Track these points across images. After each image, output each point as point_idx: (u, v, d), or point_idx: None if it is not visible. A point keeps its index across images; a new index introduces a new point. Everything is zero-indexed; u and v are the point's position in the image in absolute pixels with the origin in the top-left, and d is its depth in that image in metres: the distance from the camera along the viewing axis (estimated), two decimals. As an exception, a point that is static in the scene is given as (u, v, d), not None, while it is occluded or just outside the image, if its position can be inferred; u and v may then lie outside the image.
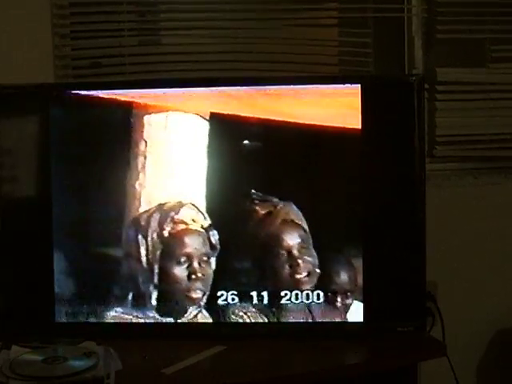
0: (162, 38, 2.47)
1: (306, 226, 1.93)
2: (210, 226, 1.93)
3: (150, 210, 1.93)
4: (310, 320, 1.94)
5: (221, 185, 1.94)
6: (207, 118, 1.92)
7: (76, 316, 1.95)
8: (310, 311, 1.94)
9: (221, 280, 1.94)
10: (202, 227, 1.93)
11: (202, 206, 1.93)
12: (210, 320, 1.95)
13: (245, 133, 1.93)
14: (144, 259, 1.93)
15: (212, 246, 1.93)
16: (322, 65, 2.48)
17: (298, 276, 1.94)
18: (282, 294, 1.93)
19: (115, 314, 1.95)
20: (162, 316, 1.95)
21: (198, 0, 2.40)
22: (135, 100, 1.93)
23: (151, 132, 1.93)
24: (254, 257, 1.94)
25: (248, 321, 1.94)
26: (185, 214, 1.93)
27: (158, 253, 1.93)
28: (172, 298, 1.94)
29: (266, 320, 1.94)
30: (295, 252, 1.93)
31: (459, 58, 2.58)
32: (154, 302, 1.95)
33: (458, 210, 2.47)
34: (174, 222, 1.93)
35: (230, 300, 1.94)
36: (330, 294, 1.93)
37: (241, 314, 1.94)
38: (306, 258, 1.93)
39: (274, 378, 1.79)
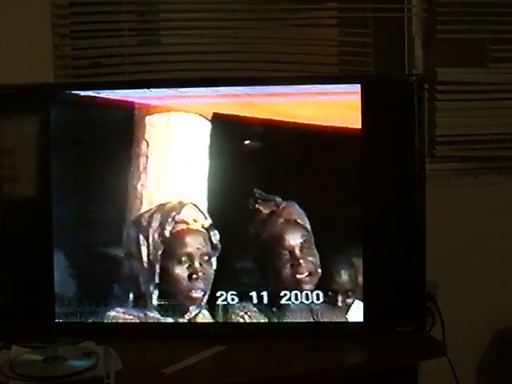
0: (162, 38, 2.47)
1: (308, 226, 1.93)
2: (211, 225, 1.93)
3: (151, 209, 1.93)
4: (310, 320, 1.94)
5: (223, 185, 1.94)
6: (209, 118, 1.92)
7: (76, 316, 1.95)
8: (311, 311, 1.94)
9: (222, 280, 1.94)
10: (202, 227, 1.93)
11: (204, 206, 1.93)
12: (211, 320, 1.95)
13: (246, 133, 1.93)
14: (145, 259, 1.93)
15: (213, 246, 1.93)
16: (322, 65, 2.48)
17: (299, 276, 1.93)
18: (283, 293, 1.93)
19: (116, 314, 1.95)
20: (162, 316, 1.95)
21: (197, 0, 2.40)
22: (136, 100, 1.93)
23: (153, 132, 1.93)
24: (256, 256, 1.94)
25: (249, 321, 1.94)
26: (186, 214, 1.93)
27: (159, 252, 1.93)
28: (173, 298, 1.94)
29: (267, 320, 1.94)
30: (297, 252, 1.93)
31: (459, 58, 2.58)
32: (154, 301, 1.95)
33: (458, 210, 2.47)
34: (176, 222, 1.93)
35: (230, 300, 1.94)
36: (331, 293, 1.93)
37: (241, 313, 1.95)
38: (307, 257, 1.93)
39: (274, 377, 1.79)
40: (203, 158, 1.93)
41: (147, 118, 1.93)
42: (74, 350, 1.78)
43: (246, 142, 1.93)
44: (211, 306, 1.94)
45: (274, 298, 1.94)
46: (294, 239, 1.94)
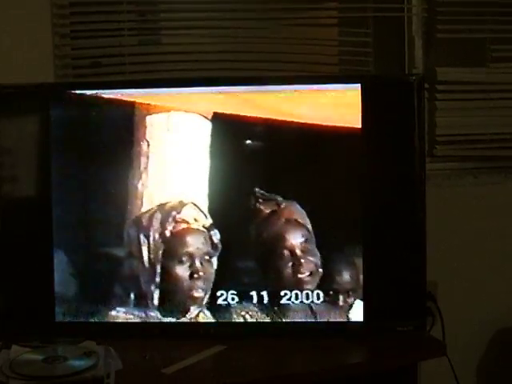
0: (162, 38, 2.47)
1: (309, 226, 1.93)
2: (212, 225, 1.93)
3: (151, 209, 1.93)
4: (310, 320, 1.94)
5: (223, 184, 1.94)
6: (209, 117, 1.92)
7: (77, 316, 1.95)
8: (311, 311, 1.94)
9: (222, 279, 1.93)
10: (203, 227, 1.93)
11: (204, 206, 1.93)
12: (212, 319, 1.95)
13: (246, 132, 1.93)
14: (146, 259, 1.93)
15: (213, 246, 1.93)
16: (322, 64, 2.48)
17: (300, 276, 1.93)
18: (284, 293, 1.93)
19: (117, 314, 1.95)
20: (163, 315, 1.95)
21: (197, 0, 2.40)
22: (137, 100, 1.93)
23: (153, 132, 1.93)
24: (257, 256, 1.94)
25: (249, 320, 1.94)
26: (187, 214, 1.93)
27: (160, 252, 1.93)
28: (174, 298, 1.94)
29: (268, 320, 1.94)
30: (298, 251, 1.93)
31: (459, 58, 2.57)
32: (155, 301, 1.95)
33: (457, 210, 2.47)
34: (176, 222, 1.93)
35: (230, 300, 1.94)
36: (332, 293, 1.93)
37: (242, 313, 1.94)
38: (308, 257, 1.93)
39: (274, 377, 1.79)
40: (204, 157, 1.93)
41: (148, 118, 1.93)
42: (74, 349, 1.78)
43: (247, 141, 1.93)
44: (212, 305, 1.94)
45: (275, 297, 1.94)
46: (295, 239, 1.94)
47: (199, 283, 1.93)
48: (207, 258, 1.93)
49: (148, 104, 1.93)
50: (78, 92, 1.95)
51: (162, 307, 1.95)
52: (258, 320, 1.95)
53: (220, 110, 1.92)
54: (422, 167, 1.92)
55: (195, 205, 1.93)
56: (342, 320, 1.94)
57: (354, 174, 1.93)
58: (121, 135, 1.94)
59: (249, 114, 1.92)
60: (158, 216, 1.93)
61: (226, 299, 1.94)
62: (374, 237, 1.93)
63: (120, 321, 1.95)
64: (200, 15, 2.39)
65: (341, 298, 1.93)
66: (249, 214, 1.93)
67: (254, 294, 1.94)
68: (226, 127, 1.93)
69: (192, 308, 1.94)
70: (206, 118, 1.93)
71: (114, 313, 1.95)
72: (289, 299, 1.94)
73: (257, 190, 1.92)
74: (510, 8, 2.54)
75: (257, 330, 1.95)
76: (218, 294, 1.94)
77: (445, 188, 2.50)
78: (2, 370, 1.67)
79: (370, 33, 2.52)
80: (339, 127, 1.90)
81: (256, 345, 1.89)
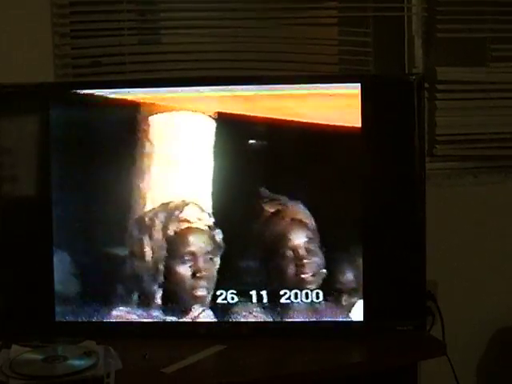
0: (162, 37, 2.47)
1: (313, 226, 1.93)
2: (215, 224, 1.93)
3: (154, 208, 1.93)
4: (311, 319, 1.94)
5: (226, 184, 1.94)
6: (212, 117, 1.92)
7: (77, 315, 1.95)
8: (313, 310, 1.94)
9: (225, 279, 1.93)
10: (206, 226, 1.93)
11: (208, 205, 1.93)
12: (214, 319, 1.95)
13: (249, 132, 1.93)
14: (148, 258, 1.93)
15: (216, 245, 1.93)
16: (322, 64, 2.48)
17: (303, 276, 1.93)
18: (286, 293, 1.93)
19: (119, 314, 1.95)
20: (166, 315, 1.95)
21: (197, 0, 2.40)
22: (139, 100, 1.93)
23: (156, 132, 1.93)
24: (260, 256, 1.94)
25: (252, 320, 1.94)
26: (189, 213, 1.93)
27: (163, 251, 1.93)
28: (177, 297, 1.94)
29: (270, 319, 1.94)
30: (301, 251, 1.93)
31: (459, 58, 2.57)
32: (158, 300, 1.94)
33: (457, 210, 2.47)
34: (179, 221, 1.93)
35: (231, 299, 1.94)
36: (335, 292, 1.93)
37: (244, 313, 1.94)
38: (312, 257, 1.93)
39: (274, 377, 1.79)
40: (206, 157, 1.92)
41: (150, 118, 1.93)
42: (74, 349, 1.78)
43: (251, 141, 1.93)
44: (214, 304, 1.94)
45: (278, 297, 1.94)
46: (299, 239, 1.94)
47: (202, 282, 1.93)
48: (210, 257, 1.93)
49: (151, 104, 1.93)
50: (78, 92, 1.95)
51: (165, 306, 1.95)
52: (260, 320, 1.94)
53: (223, 110, 1.92)
54: (421, 167, 1.92)
55: (198, 204, 1.93)
56: (342, 320, 1.94)
57: (354, 173, 1.93)
58: (122, 135, 1.94)
59: (250, 114, 1.91)
60: (161, 215, 1.93)
61: (227, 298, 1.94)
62: (374, 236, 1.93)
63: (122, 320, 1.95)
64: (200, 15, 2.39)
65: (344, 297, 1.93)
66: (252, 214, 1.93)
67: (256, 293, 1.93)
68: (229, 127, 1.93)
69: (195, 307, 1.94)
70: (208, 117, 1.92)
71: (115, 312, 1.95)
72: (292, 299, 1.93)
73: (261, 189, 1.92)
74: (510, 8, 2.54)
75: (257, 330, 1.95)
76: (220, 293, 1.93)
77: (445, 188, 2.50)
78: (2, 370, 1.68)
79: (369, 32, 2.52)
80: (339, 126, 1.90)
81: (256, 344, 1.89)
